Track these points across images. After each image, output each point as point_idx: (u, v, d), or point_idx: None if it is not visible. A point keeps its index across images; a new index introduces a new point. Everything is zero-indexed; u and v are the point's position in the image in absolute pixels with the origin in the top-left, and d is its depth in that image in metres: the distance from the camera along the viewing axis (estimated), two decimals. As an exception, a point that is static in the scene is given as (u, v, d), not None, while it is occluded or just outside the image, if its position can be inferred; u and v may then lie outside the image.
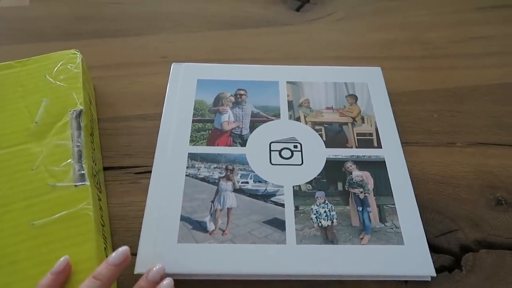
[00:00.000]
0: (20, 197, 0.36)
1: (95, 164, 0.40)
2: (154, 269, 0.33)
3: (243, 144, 0.44)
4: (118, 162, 0.44)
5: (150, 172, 0.41)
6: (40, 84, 0.43)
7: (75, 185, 0.36)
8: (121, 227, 0.39)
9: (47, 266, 0.32)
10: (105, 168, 0.43)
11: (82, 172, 0.37)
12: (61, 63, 0.45)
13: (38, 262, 0.32)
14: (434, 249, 0.38)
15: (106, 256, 0.35)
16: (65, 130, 0.40)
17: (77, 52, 0.46)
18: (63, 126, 0.40)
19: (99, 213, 0.37)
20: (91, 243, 0.33)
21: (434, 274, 0.35)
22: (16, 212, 0.35)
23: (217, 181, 0.41)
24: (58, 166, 0.37)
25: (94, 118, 0.46)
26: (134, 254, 0.36)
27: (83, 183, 0.36)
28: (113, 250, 0.36)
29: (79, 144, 0.38)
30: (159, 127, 0.44)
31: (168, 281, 0.32)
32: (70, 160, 0.37)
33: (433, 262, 0.36)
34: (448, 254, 0.38)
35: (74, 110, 0.41)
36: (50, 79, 0.43)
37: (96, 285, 0.30)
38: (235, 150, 0.43)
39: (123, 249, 0.32)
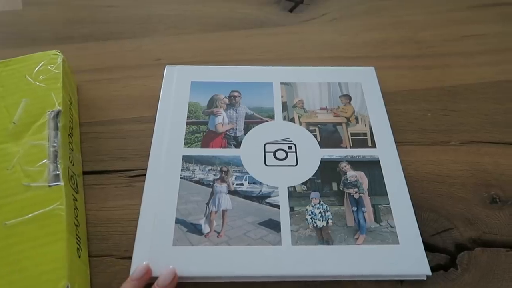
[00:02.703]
0: None
1: (73, 165, 0.40)
2: (164, 273, 0.34)
3: (238, 145, 0.44)
4: (112, 166, 0.44)
5: (145, 175, 0.41)
6: (20, 84, 0.43)
7: (49, 185, 0.36)
8: (116, 230, 0.39)
9: (16, 266, 0.32)
10: (99, 172, 0.43)
11: (57, 172, 0.37)
12: (42, 63, 0.45)
13: (7, 262, 0.32)
14: (429, 248, 0.38)
15: (79, 257, 0.35)
16: (42, 130, 0.39)
17: (58, 53, 0.46)
18: (40, 126, 0.40)
19: (74, 213, 0.36)
20: (62, 242, 0.33)
21: (430, 273, 0.35)
22: None
23: (211, 183, 0.40)
24: (34, 166, 0.37)
25: (75, 119, 0.45)
26: (129, 257, 0.36)
27: (57, 183, 0.36)
28: (89, 250, 0.37)
29: (55, 144, 0.38)
30: (153, 129, 0.44)
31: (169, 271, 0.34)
32: (45, 160, 0.37)
33: (428, 261, 0.36)
34: (443, 253, 0.38)
35: (52, 111, 0.41)
36: (30, 79, 0.43)
37: None
38: (230, 152, 0.43)
39: (143, 264, 0.34)
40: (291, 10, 0.63)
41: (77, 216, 0.37)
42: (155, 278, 0.34)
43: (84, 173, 0.43)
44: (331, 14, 0.62)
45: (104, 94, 0.50)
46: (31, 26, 0.59)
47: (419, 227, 0.38)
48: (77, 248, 0.35)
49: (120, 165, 0.44)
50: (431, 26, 0.60)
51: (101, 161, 0.44)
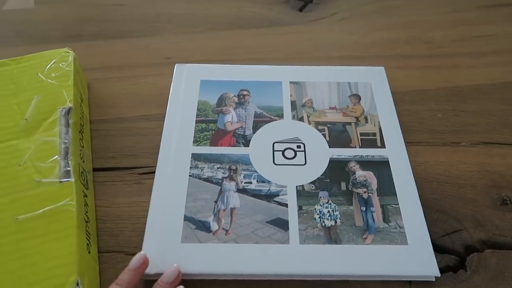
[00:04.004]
0: (6, 192, 0.36)
1: (83, 161, 0.40)
2: (168, 271, 0.34)
3: (246, 144, 0.44)
4: (122, 163, 0.44)
5: (154, 172, 0.41)
6: (32, 81, 0.44)
7: (60, 181, 0.36)
8: (125, 227, 0.39)
9: (27, 260, 0.32)
10: (109, 169, 0.43)
11: (68, 168, 0.37)
12: (53, 61, 0.45)
13: (19, 256, 0.33)
14: (438, 249, 0.38)
15: (89, 252, 0.35)
16: (54, 127, 0.40)
17: (69, 51, 0.47)
18: (51, 123, 0.40)
19: (84, 209, 0.37)
20: (72, 238, 0.33)
21: (438, 274, 0.35)
22: (1, 207, 0.35)
23: (220, 181, 0.41)
24: (45, 162, 0.37)
25: (85, 116, 0.46)
26: (138, 254, 0.36)
27: (68, 179, 0.36)
28: (98, 246, 0.38)
29: (66, 141, 0.39)
30: (163, 127, 0.45)
31: None
32: (56, 156, 0.38)
33: (437, 262, 0.36)
34: (452, 254, 0.38)
35: (63, 108, 0.41)
36: (42, 76, 0.44)
37: None
38: (238, 150, 0.43)
39: (140, 254, 0.34)
40: (300, 10, 0.63)
41: (87, 212, 0.37)
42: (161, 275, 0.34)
43: (94, 170, 0.43)
44: (340, 13, 0.62)
45: (114, 92, 0.51)
46: (42, 24, 0.60)
47: (428, 228, 0.38)
48: (87, 244, 0.35)
49: (130, 162, 0.44)
50: (441, 26, 0.60)
51: (111, 158, 0.44)
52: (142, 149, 0.45)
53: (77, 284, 0.31)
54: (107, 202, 0.41)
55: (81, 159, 0.40)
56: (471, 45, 0.57)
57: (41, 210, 0.35)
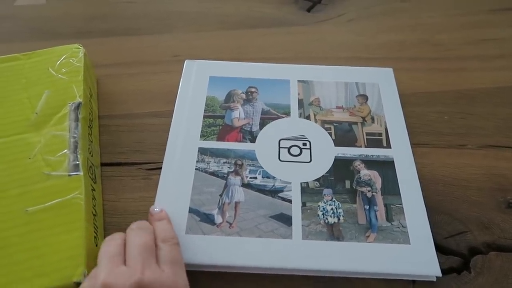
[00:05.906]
0: (16, 184, 0.36)
1: (92, 156, 0.41)
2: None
3: (253, 140, 0.44)
4: (130, 158, 0.44)
5: (161, 168, 0.41)
6: (43, 76, 0.44)
7: (69, 175, 0.37)
8: (132, 221, 0.39)
9: (36, 252, 0.33)
10: (117, 164, 0.44)
11: (77, 162, 0.38)
12: (64, 56, 0.46)
13: (27, 248, 0.33)
14: (443, 250, 0.38)
15: (96, 245, 0.35)
16: (64, 121, 0.40)
17: (80, 47, 0.47)
18: (61, 118, 0.41)
19: (92, 202, 0.37)
20: (80, 231, 0.34)
21: (440, 274, 0.35)
22: (11, 199, 0.36)
23: (226, 175, 0.41)
24: (54, 156, 0.38)
25: (94, 111, 0.46)
26: (143, 246, 0.36)
27: (76, 173, 0.37)
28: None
29: (75, 135, 0.39)
30: (171, 123, 0.45)
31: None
32: (66, 150, 0.38)
33: (441, 263, 0.36)
34: (456, 255, 0.38)
35: (73, 103, 0.42)
36: (53, 72, 0.44)
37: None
38: (245, 146, 0.43)
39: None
40: (308, 10, 0.63)
41: (95, 206, 0.38)
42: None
43: (102, 164, 0.44)
44: (348, 14, 0.62)
45: (123, 88, 0.51)
46: (53, 20, 0.61)
47: (432, 228, 0.37)
48: (95, 237, 0.36)
49: (138, 157, 0.44)
50: (449, 29, 0.60)
51: (119, 154, 0.45)
52: (150, 145, 0.45)
53: (84, 276, 0.32)
54: (115, 197, 0.41)
55: (90, 153, 0.41)
56: (479, 49, 0.57)
57: (50, 203, 0.35)
